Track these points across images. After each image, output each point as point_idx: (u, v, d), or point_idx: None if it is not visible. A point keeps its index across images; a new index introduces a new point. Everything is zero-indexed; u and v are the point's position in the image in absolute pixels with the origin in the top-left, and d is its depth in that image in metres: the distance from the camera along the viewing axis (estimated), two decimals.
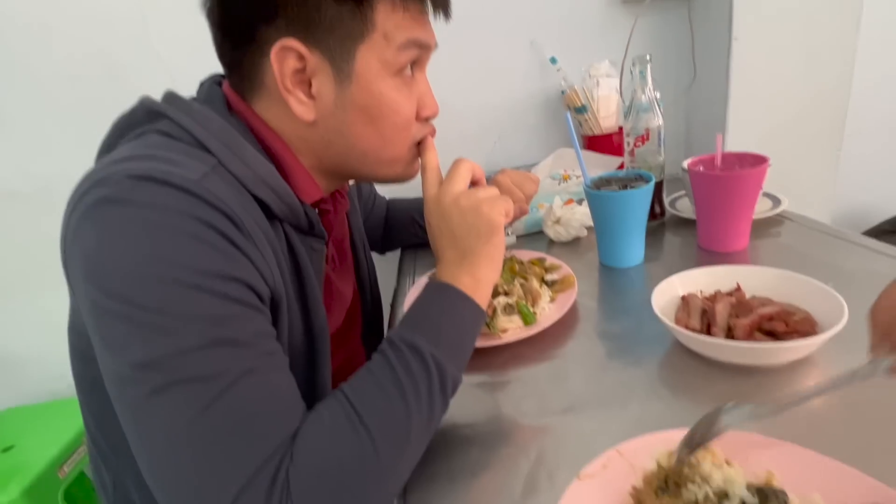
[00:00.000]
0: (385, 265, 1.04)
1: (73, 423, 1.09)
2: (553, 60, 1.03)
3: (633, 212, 0.66)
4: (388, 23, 0.44)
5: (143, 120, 0.45)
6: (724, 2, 0.90)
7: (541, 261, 0.74)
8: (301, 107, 0.45)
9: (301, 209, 0.47)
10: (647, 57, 0.77)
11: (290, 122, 0.47)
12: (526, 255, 0.76)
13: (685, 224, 0.81)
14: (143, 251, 0.34)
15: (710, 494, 0.30)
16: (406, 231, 0.91)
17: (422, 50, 0.47)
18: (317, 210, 0.53)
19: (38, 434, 1.08)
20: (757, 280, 0.53)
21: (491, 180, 0.78)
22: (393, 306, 0.79)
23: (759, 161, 0.66)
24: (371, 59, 0.44)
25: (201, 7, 0.46)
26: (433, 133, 0.53)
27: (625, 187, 0.67)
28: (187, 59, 1.00)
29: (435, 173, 0.52)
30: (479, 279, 0.47)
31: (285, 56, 0.43)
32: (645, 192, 0.65)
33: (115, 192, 0.35)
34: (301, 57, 0.43)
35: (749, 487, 0.30)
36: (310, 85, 0.45)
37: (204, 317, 0.35)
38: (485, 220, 0.47)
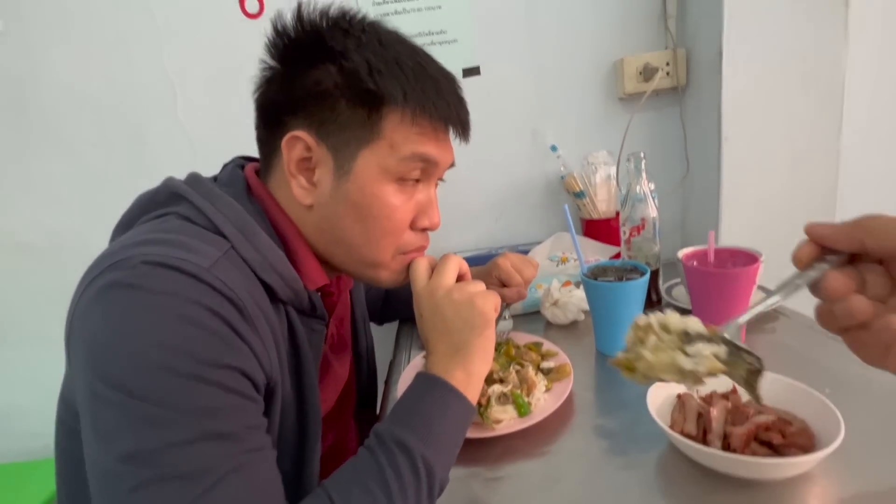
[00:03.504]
0: (381, 337, 1.04)
1: (42, 488, 1.04)
2: (553, 148, 1.09)
3: (629, 302, 0.67)
4: (396, 134, 0.47)
5: (166, 201, 0.48)
6: (714, 104, 0.97)
7: (538, 345, 0.74)
8: (301, 191, 0.48)
9: (305, 294, 0.49)
10: (642, 154, 0.82)
11: (294, 203, 0.50)
12: (523, 338, 0.76)
13: (681, 313, 0.82)
14: (149, 338, 0.35)
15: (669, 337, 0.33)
16: (405, 305, 0.92)
17: (428, 164, 0.49)
18: (320, 293, 0.54)
19: (4, 499, 1.03)
20: None
21: (492, 262, 0.80)
22: (387, 382, 0.78)
23: (751, 259, 0.68)
24: (372, 162, 0.47)
25: (252, 93, 0.51)
26: (426, 246, 0.55)
27: (620, 278, 0.68)
28: (210, 133, 1.07)
29: (424, 267, 0.53)
30: (471, 373, 0.47)
31: (294, 144, 0.47)
32: (640, 285, 0.67)
33: (129, 276, 0.37)
34: (308, 148, 0.47)
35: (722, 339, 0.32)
36: (314, 172, 0.48)
37: (199, 408, 0.35)
38: (479, 312, 0.48)
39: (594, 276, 0.69)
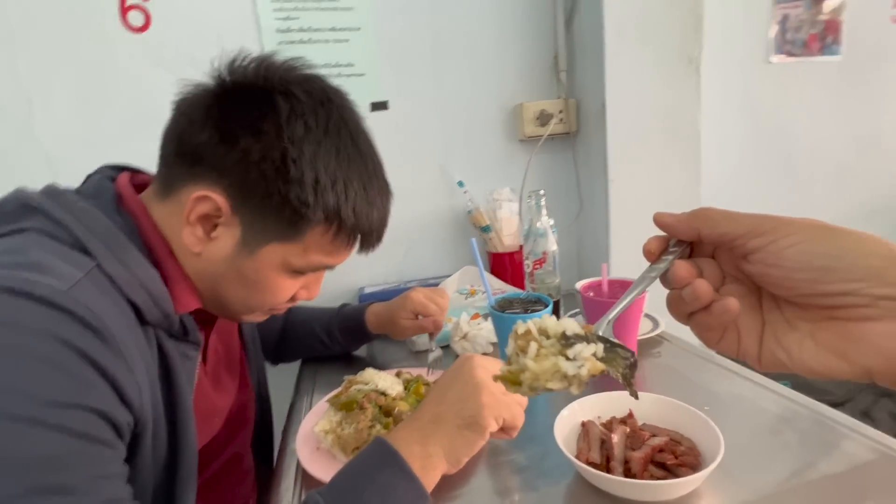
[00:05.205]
0: (281, 378, 0.96)
1: None
2: (460, 184, 1.12)
3: None
4: (313, 243, 0.48)
5: (14, 214, 0.40)
6: (601, 150, 1.07)
7: None
8: (193, 238, 0.45)
9: (176, 316, 0.45)
10: (541, 192, 0.87)
11: (176, 227, 0.46)
12: (432, 374, 0.75)
13: None
14: None
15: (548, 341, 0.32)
16: (303, 343, 0.86)
17: (326, 269, 0.52)
18: (193, 317, 0.50)
19: None
20: (647, 406, 0.56)
21: (403, 296, 0.79)
22: (285, 433, 0.71)
23: None
24: (279, 254, 0.47)
25: (177, 101, 0.46)
26: (292, 306, 0.56)
27: (526, 309, 0.70)
28: (74, 153, 0.93)
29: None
30: (430, 455, 0.43)
31: (203, 202, 0.44)
32: (545, 316, 0.69)
33: None
34: (218, 209, 0.44)
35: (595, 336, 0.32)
36: (214, 227, 0.46)
37: (31, 457, 0.29)
38: (477, 410, 0.45)
39: (502, 309, 0.70)
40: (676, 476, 0.45)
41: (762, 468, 0.50)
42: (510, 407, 0.46)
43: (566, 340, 0.32)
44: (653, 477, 0.45)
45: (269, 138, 0.43)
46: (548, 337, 0.32)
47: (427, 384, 0.71)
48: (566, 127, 1.14)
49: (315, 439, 0.60)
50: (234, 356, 0.63)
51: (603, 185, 1.08)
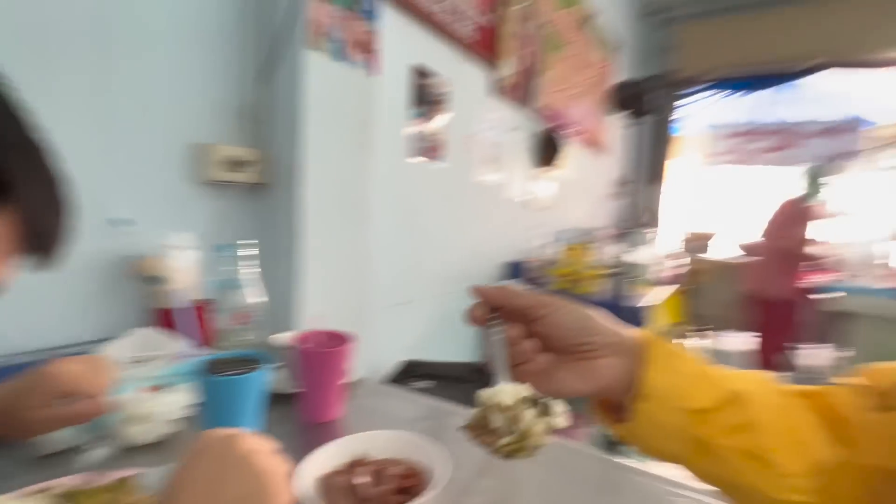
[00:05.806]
0: None
1: None
2: (120, 223, 0.89)
3: (257, 394, 0.63)
4: None
5: None
6: (294, 203, 1.10)
7: (123, 482, 0.54)
8: None
9: None
10: (237, 242, 0.82)
11: None
12: (98, 477, 0.54)
13: (279, 399, 0.82)
14: None
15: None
16: None
17: None
18: None
19: None
20: (373, 443, 0.60)
21: (39, 374, 0.55)
22: None
23: (341, 338, 0.80)
24: None
25: None
26: None
27: (244, 369, 0.63)
28: None
29: None
30: None
31: None
32: (266, 373, 0.64)
33: None
34: None
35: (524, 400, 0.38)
36: None
37: None
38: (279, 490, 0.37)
39: (215, 372, 0.60)
40: (421, 496, 0.51)
41: (462, 469, 0.63)
42: (288, 487, 0.41)
43: (534, 402, 0.37)
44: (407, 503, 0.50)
45: None
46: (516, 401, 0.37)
47: (89, 494, 0.51)
48: (259, 177, 1.11)
49: None
50: None
51: (297, 238, 1.11)
